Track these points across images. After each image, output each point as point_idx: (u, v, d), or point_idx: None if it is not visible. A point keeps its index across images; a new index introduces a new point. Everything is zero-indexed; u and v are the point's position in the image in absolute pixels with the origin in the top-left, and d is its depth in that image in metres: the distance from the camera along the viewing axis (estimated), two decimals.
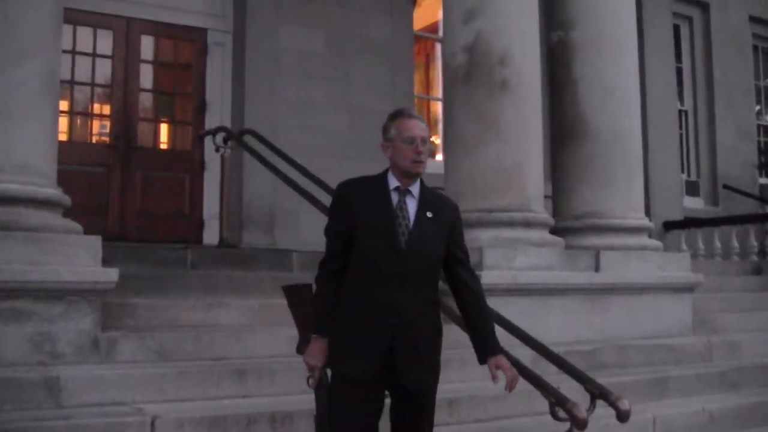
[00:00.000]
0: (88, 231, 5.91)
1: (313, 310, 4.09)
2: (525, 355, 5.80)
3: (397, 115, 4.10)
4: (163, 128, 10.54)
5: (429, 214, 4.04)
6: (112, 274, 5.66)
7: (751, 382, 7.65)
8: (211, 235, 9.88)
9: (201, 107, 10.36)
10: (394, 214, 3.99)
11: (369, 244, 3.96)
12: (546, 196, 8.17)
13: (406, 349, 3.92)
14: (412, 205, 4.04)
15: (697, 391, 7.18)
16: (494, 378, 4.07)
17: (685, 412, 6.65)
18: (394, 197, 4.03)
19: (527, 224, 7.49)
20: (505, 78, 7.46)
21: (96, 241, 5.72)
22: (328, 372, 4.08)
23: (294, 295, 4.29)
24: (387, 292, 3.91)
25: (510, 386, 4.10)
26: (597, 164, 8.33)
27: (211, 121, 10.14)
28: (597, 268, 7.80)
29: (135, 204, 9.82)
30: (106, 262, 5.89)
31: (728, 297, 10.11)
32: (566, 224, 8.36)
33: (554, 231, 8.00)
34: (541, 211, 7.69)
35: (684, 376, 7.28)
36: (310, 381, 4.06)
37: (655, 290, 8.17)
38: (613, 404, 4.78)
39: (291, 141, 9.74)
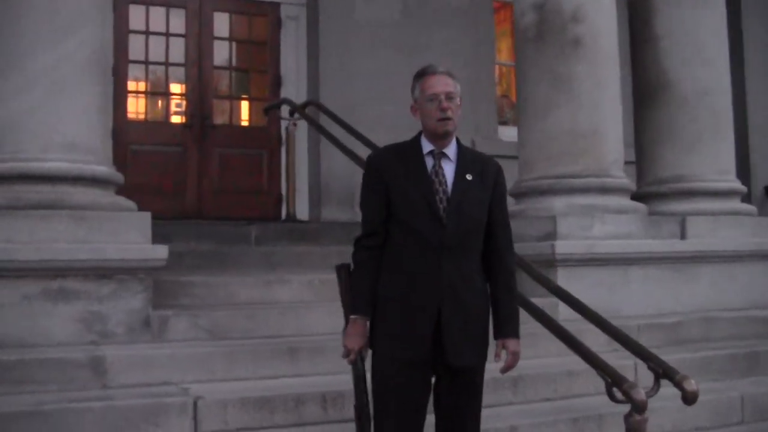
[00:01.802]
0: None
1: (352, 290, 3.82)
2: (596, 330, 5.39)
3: (420, 74, 3.79)
4: (239, 105, 10.37)
5: (469, 177, 3.72)
6: (161, 252, 5.46)
7: None
8: None
9: (276, 83, 10.15)
10: (430, 180, 3.69)
11: (407, 215, 3.67)
12: (629, 162, 7.73)
13: (454, 325, 3.63)
14: (449, 169, 3.73)
15: None
16: (497, 356, 3.78)
17: None
18: (429, 162, 3.74)
19: (604, 190, 7.06)
20: (578, 36, 7.02)
21: (145, 217, 5.53)
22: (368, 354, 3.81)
23: (345, 273, 3.95)
24: (430, 265, 3.63)
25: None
26: (681, 125, 7.85)
27: (286, 97, 9.88)
28: (683, 235, 7.34)
29: (212, 182, 9.68)
30: (167, 239, 5.75)
31: None
32: (649, 189, 7.91)
33: (637, 197, 7.59)
34: (620, 176, 7.24)
35: None
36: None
37: (748, 258, 7.63)
38: (678, 384, 4.34)
39: (369, 114, 9.49)
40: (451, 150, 3.76)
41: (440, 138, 3.73)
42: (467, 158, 3.78)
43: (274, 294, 6.21)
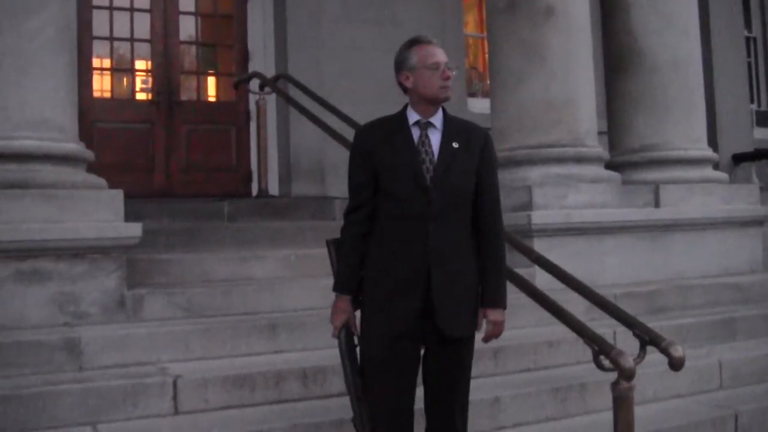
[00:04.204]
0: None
1: (336, 266, 3.84)
2: (575, 300, 5.34)
3: (415, 42, 3.78)
4: (207, 81, 10.21)
5: (455, 145, 3.72)
6: (135, 229, 5.36)
7: None
8: None
9: (244, 57, 9.98)
10: (416, 150, 3.69)
11: (393, 186, 3.67)
12: (601, 132, 7.70)
13: (444, 293, 3.61)
14: (435, 138, 3.73)
15: None
16: (478, 326, 3.77)
17: (754, 355, 6.11)
18: (415, 132, 3.73)
19: (579, 160, 7.04)
20: (550, 5, 6.96)
21: (117, 195, 5.40)
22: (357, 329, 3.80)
23: (335, 248, 3.93)
24: (417, 234, 3.61)
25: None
26: (654, 94, 7.82)
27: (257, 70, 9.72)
28: (657, 204, 7.33)
29: (181, 159, 9.52)
30: (139, 217, 5.63)
31: None
32: (623, 159, 7.90)
33: (610, 166, 7.57)
34: (595, 146, 7.22)
35: (753, 316, 6.73)
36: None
37: (721, 225, 7.65)
38: (664, 350, 4.29)
39: (337, 87, 9.41)
40: (437, 119, 3.76)
41: (435, 105, 3.74)
42: (453, 127, 3.77)
43: (249, 270, 6.13)
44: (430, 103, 3.72)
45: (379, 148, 3.71)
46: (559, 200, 6.74)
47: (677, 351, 4.28)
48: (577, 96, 7.06)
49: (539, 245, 6.33)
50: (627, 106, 7.96)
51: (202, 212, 7.66)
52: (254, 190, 9.52)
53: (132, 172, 8.87)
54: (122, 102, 9.56)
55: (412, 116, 3.74)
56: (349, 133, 6.29)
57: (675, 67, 7.81)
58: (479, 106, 10.58)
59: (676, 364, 4.28)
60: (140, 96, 9.72)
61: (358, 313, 3.80)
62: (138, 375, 4.68)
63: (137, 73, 9.75)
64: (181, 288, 5.62)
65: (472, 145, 3.74)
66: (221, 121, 9.81)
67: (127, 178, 7.50)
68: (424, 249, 3.59)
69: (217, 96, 10.20)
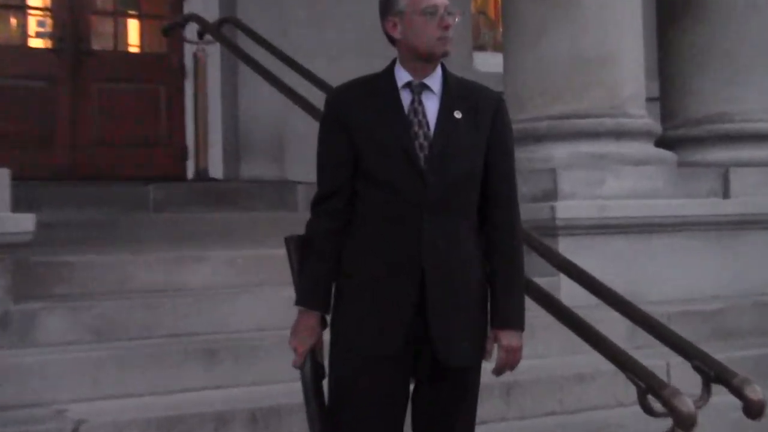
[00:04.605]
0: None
1: (301, 272, 3.79)
2: (613, 320, 5.37)
3: None
4: (127, 24, 10.24)
5: (457, 115, 3.68)
6: (26, 222, 5.31)
7: None
8: None
9: None
10: (406, 121, 3.66)
11: (377, 167, 3.64)
12: (651, 99, 7.74)
13: (441, 306, 3.59)
14: (432, 105, 3.70)
15: None
16: (487, 352, 3.74)
17: None
18: (406, 97, 3.70)
19: (620, 134, 7.10)
20: None
21: (1, 176, 5.35)
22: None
23: (296, 248, 3.89)
24: (407, 229, 3.59)
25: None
26: (726, 47, 7.93)
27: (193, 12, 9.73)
28: (725, 193, 7.39)
29: (91, 129, 9.50)
30: (33, 206, 5.66)
31: None
32: (679, 133, 8.00)
33: (663, 143, 7.62)
34: (641, 116, 7.28)
35: None
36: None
37: None
38: (737, 391, 4.26)
39: (306, 37, 9.57)
40: (434, 80, 3.73)
41: (430, 62, 3.71)
42: (456, 90, 3.75)
43: (183, 277, 6.14)
44: (424, 59, 3.69)
45: (359, 117, 3.68)
46: (592, 188, 6.80)
47: (755, 392, 4.24)
48: (617, 51, 7.11)
49: (565, 246, 6.40)
50: (687, 63, 8.05)
51: (120, 200, 7.73)
52: (190, 172, 9.58)
53: (24, 147, 8.83)
54: (10, 50, 9.54)
55: (402, 76, 3.72)
56: (319, 98, 6.35)
57: (756, 10, 7.91)
58: (489, 62, 10.65)
59: (753, 410, 4.26)
60: (35, 43, 9.74)
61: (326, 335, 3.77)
62: (26, 420, 4.64)
63: (31, 11, 9.76)
64: (89, 301, 5.61)
65: (479, 114, 3.72)
66: (147, 78, 9.85)
67: (18, 154, 7.49)
68: (416, 247, 3.58)
69: (141, 45, 10.24)
